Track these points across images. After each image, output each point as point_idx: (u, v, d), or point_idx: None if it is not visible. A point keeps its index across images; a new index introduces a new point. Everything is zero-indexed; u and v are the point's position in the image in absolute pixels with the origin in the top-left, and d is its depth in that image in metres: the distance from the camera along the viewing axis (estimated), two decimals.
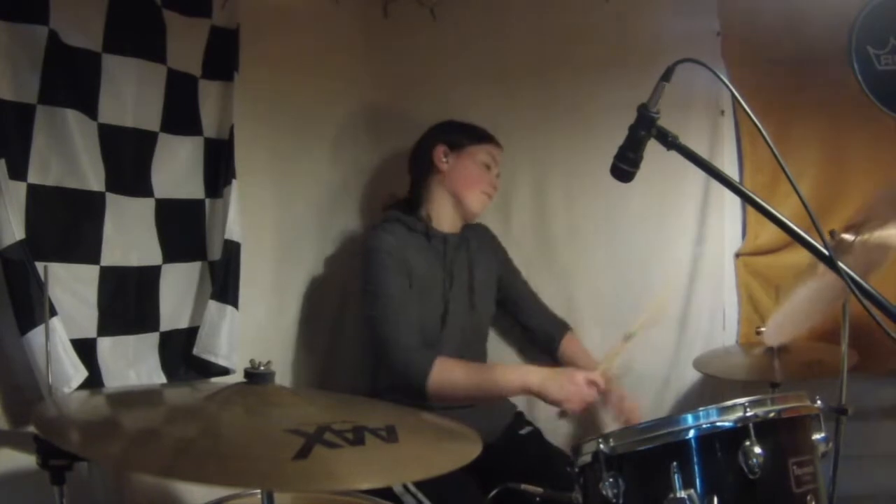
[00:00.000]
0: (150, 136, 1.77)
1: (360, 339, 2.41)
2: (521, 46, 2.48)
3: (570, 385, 1.87)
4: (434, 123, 2.27)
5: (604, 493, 1.41)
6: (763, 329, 2.29)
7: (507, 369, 2.01)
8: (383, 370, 2.12)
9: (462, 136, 2.21)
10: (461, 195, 2.19)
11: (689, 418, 1.39)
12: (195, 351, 1.85)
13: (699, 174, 1.68)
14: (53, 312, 1.48)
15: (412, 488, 1.86)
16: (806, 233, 1.26)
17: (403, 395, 1.88)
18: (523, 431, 2.23)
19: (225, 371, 1.87)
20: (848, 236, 1.91)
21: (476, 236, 2.32)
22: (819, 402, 1.50)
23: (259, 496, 1.33)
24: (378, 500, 1.56)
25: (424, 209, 2.21)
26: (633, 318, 2.46)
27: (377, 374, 2.20)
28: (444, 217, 2.20)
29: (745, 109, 1.33)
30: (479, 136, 2.22)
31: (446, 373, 1.91)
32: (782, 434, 1.42)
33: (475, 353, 2.24)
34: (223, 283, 1.88)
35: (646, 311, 2.05)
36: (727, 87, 1.39)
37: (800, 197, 1.28)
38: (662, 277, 2.49)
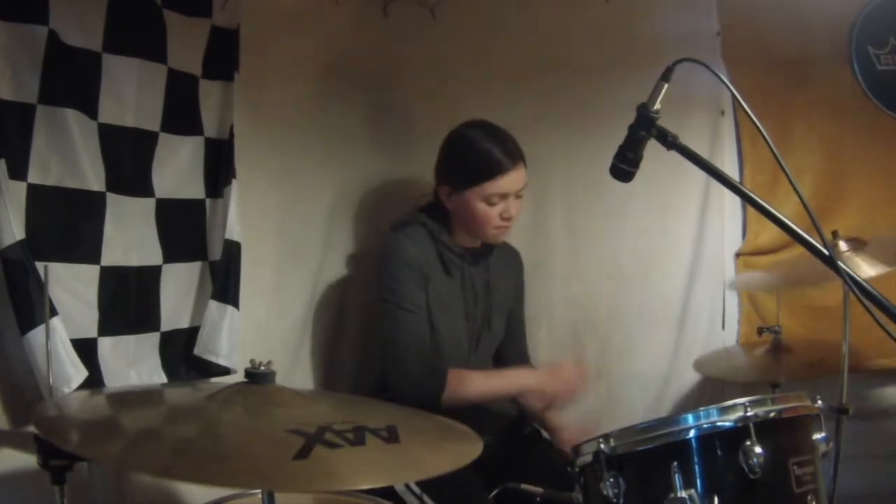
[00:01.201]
0: (150, 136, 1.77)
1: (361, 340, 2.41)
2: (521, 46, 2.47)
3: (562, 380, 2.04)
4: (446, 137, 2.12)
5: (604, 493, 1.41)
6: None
7: (506, 375, 2.11)
8: (382, 376, 2.10)
9: (460, 177, 2.04)
10: (472, 232, 2.10)
11: (690, 418, 1.39)
12: (196, 351, 1.85)
13: (699, 174, 1.68)
14: (54, 312, 1.48)
15: (414, 488, 1.86)
16: (806, 233, 1.26)
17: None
18: (525, 431, 2.23)
19: (225, 371, 1.86)
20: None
21: (502, 256, 2.24)
22: (819, 402, 1.50)
23: (259, 496, 1.33)
24: (382, 500, 1.56)
25: (448, 223, 2.13)
26: (632, 319, 2.49)
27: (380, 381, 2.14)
28: (462, 236, 2.13)
29: (745, 109, 1.33)
30: (477, 174, 2.01)
31: (459, 386, 1.97)
32: (783, 434, 1.41)
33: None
34: (224, 282, 1.88)
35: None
36: (727, 87, 1.39)
37: (800, 197, 1.28)
38: (663, 277, 2.50)
